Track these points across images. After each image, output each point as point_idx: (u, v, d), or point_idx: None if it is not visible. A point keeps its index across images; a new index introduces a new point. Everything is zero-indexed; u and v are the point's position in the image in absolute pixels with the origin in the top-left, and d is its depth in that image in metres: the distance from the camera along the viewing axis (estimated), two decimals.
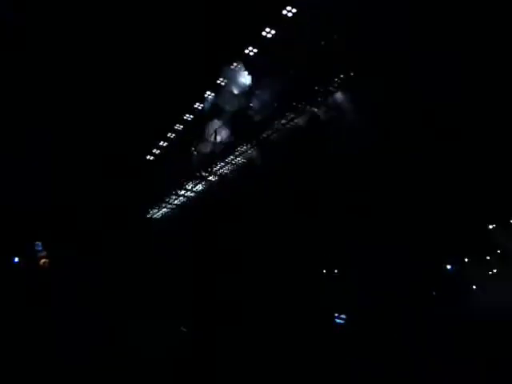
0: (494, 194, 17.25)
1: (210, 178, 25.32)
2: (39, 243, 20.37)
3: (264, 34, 16.48)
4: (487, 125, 16.47)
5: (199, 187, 26.38)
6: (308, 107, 21.33)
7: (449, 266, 20.15)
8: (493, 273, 18.94)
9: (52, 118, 17.80)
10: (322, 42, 17.73)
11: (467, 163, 17.17)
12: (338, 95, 20.30)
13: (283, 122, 22.41)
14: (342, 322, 19.98)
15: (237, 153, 24.29)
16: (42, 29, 14.34)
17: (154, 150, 22.08)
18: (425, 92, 17.33)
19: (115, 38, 14.81)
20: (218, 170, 24.86)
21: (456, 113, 16.70)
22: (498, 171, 16.90)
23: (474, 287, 19.07)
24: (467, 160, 17.12)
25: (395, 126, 18.77)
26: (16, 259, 20.13)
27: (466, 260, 19.15)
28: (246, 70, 18.28)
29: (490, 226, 19.23)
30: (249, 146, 23.96)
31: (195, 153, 23.76)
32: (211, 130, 22.06)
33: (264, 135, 22.87)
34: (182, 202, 27.72)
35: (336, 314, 20.16)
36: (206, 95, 18.68)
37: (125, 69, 16.67)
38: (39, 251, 20.42)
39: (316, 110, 21.15)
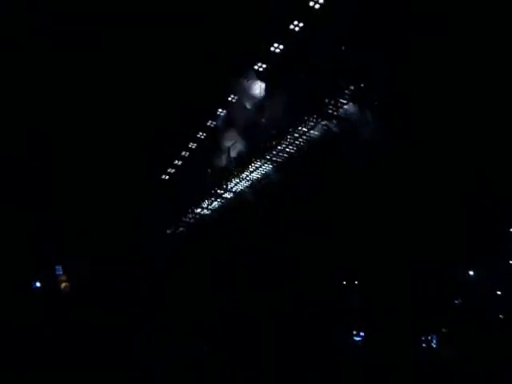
0: None
1: (226, 195, 25.39)
2: (59, 267, 20.52)
3: (272, 49, 16.63)
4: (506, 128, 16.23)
5: (215, 204, 26.44)
6: (320, 120, 21.34)
7: (471, 272, 19.74)
8: None
9: (70, 138, 18.11)
10: (330, 55, 17.76)
11: (485, 167, 16.90)
12: (350, 107, 20.31)
13: (296, 135, 22.45)
14: (359, 339, 19.59)
15: (251, 168, 24.36)
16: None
17: (169, 170, 22.24)
18: (437, 98, 17.21)
19: (127, 58, 15.07)
20: (233, 186, 24.93)
21: (474, 117, 16.51)
22: None
23: (499, 293, 18.59)
24: (485, 164, 16.85)
25: (407, 134, 18.63)
26: (38, 284, 20.29)
27: (488, 266, 18.68)
28: (256, 86, 18.40)
29: None
30: (263, 161, 24.03)
31: (209, 171, 23.91)
32: (224, 147, 22.15)
33: (277, 150, 22.94)
34: (198, 220, 27.77)
35: (354, 332, 19.81)
36: (217, 112, 18.81)
37: (137, 91, 16.92)
38: (60, 275, 20.56)
39: (328, 122, 21.14)
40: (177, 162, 21.64)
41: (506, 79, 15.35)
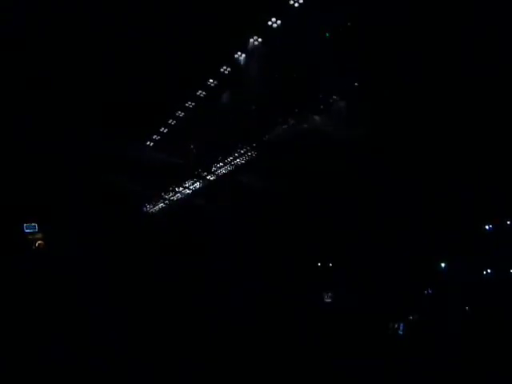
0: (490, 194, 17.16)
1: (208, 176, 25.32)
2: (35, 225, 20.12)
3: (270, 23, 16.60)
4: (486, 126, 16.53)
5: (197, 185, 26.33)
6: (310, 114, 21.50)
7: (442, 264, 19.89)
8: (487, 272, 18.66)
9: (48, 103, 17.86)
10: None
11: (461, 162, 17.16)
12: (341, 104, 20.50)
13: (284, 126, 22.55)
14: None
15: (236, 154, 24.37)
16: None
17: (154, 136, 22.00)
18: (424, 92, 17.46)
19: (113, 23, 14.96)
20: (217, 169, 24.90)
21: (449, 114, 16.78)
22: (492, 172, 16.86)
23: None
24: (461, 158, 17.11)
25: (392, 129, 18.89)
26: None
27: (461, 259, 18.85)
28: (250, 63, 18.26)
29: (487, 227, 19.10)
30: (248, 148, 24.05)
31: (193, 149, 23.81)
32: (210, 129, 21.95)
33: (264, 138, 23.01)
34: (179, 199, 27.57)
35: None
36: (208, 83, 18.70)
37: (124, 57, 16.73)
38: (34, 233, 20.19)
39: (318, 117, 21.33)
40: (163, 129, 21.41)
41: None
